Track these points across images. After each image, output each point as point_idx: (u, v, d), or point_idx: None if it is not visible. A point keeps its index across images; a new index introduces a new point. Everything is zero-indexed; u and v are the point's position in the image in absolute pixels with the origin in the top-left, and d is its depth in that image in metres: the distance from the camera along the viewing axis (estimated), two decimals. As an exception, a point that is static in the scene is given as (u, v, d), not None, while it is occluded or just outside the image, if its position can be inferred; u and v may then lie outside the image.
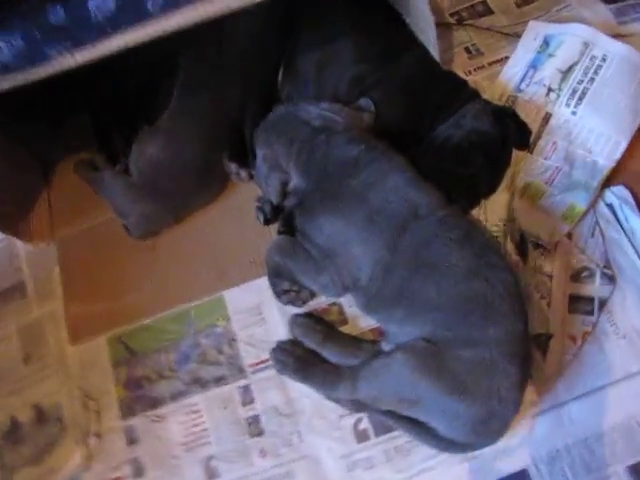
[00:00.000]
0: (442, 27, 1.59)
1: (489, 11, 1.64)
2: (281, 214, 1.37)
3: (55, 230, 1.57)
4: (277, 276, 1.34)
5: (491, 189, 1.37)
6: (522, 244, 1.35)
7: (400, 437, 1.23)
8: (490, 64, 1.57)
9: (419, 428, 1.18)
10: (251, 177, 1.49)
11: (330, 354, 1.29)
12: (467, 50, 1.60)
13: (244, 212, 1.48)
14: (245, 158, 1.47)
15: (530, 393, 1.20)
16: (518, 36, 1.55)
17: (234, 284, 1.42)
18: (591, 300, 1.28)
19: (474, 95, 1.39)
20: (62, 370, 1.40)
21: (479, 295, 1.10)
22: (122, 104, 1.58)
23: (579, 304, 1.28)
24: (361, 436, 1.25)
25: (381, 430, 1.24)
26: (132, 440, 1.31)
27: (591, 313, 1.27)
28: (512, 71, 1.51)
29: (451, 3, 1.66)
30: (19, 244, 1.55)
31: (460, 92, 1.39)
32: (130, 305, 1.44)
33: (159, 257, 1.49)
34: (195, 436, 1.30)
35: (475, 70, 1.56)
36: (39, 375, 1.41)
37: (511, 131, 1.37)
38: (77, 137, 1.65)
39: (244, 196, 1.50)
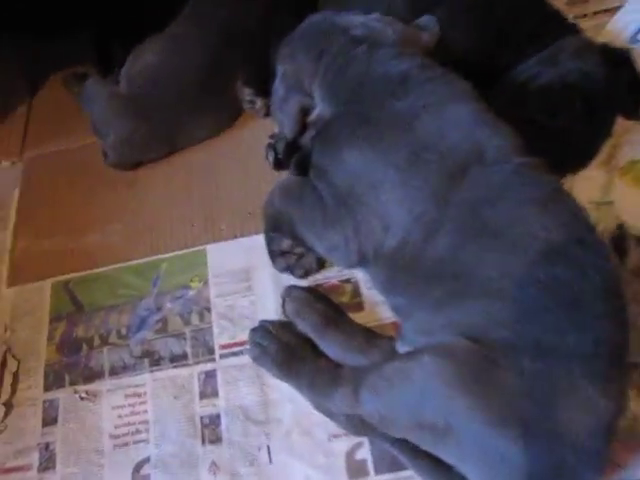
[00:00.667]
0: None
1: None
2: (296, 155, 1.00)
3: (26, 149, 1.28)
4: (276, 229, 0.97)
5: (584, 156, 0.99)
6: (620, 238, 0.93)
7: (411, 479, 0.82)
8: (596, 14, 1.20)
9: (441, 472, 0.78)
10: (269, 111, 1.14)
11: (330, 346, 0.90)
12: (566, -5, 1.21)
13: (252, 153, 1.14)
14: (264, 86, 1.12)
15: (613, 449, 0.78)
16: (637, -18, 1.16)
17: (222, 238, 1.07)
18: None
19: (575, 29, 1.00)
20: (-12, 315, 1.06)
21: (563, 285, 0.70)
22: (131, 13, 1.26)
23: (698, 331, 0.86)
24: (356, 470, 0.84)
25: (385, 466, 0.84)
26: (49, 420, 0.95)
27: None
28: (627, 18, 1.13)
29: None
30: (-19, 160, 1.25)
31: (557, 22, 1.01)
32: (89, 247, 1.11)
33: (137, 195, 1.16)
34: (131, 428, 0.92)
35: (575, 19, 1.16)
36: (-42, 316, 1.07)
37: (623, 84, 0.97)
38: (69, 56, 1.36)
39: (255, 134, 1.16)
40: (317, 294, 0.96)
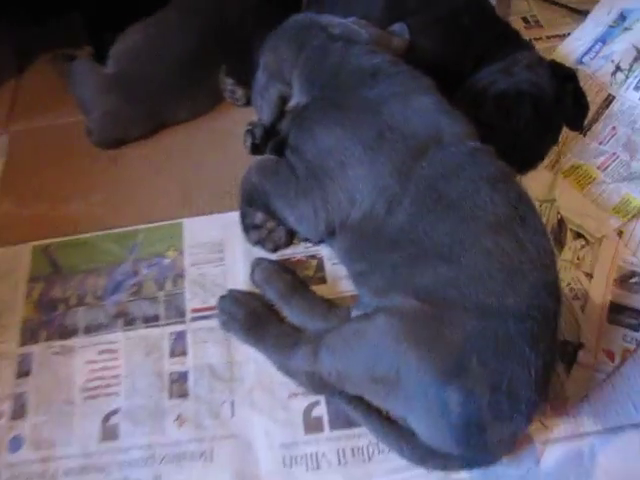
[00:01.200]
0: (501, -7, 1.33)
1: (557, -15, 1.38)
2: (272, 140, 1.07)
3: (12, 122, 1.29)
4: (250, 204, 1.03)
5: (532, 157, 1.07)
6: (560, 230, 1.03)
7: (363, 436, 0.88)
8: (549, 37, 1.32)
9: (390, 427, 0.85)
10: (248, 100, 1.21)
11: (293, 312, 0.96)
12: (524, 20, 1.35)
13: (231, 137, 1.19)
14: (245, 77, 1.19)
15: (543, 412, 0.86)
16: (586, 14, 1.28)
17: (199, 213, 1.11)
18: (637, 312, 0.95)
19: (529, 46, 1.10)
20: (-32, 274, 1.08)
21: (504, 254, 0.78)
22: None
23: (622, 315, 0.95)
24: (312, 425, 0.89)
25: (339, 423, 0.89)
26: (23, 372, 0.96)
27: (636, 328, 0.94)
28: (576, 43, 1.24)
29: (515, -30, 1.40)
30: (-33, 129, 1.27)
31: (513, 39, 1.12)
32: (70, 214, 1.13)
33: (119, 170, 1.19)
34: (102, 382, 0.95)
35: (531, 41, 1.27)
36: (-61, 274, 1.09)
37: (568, 97, 1.07)
38: (60, 37, 1.39)
39: (236, 121, 1.21)
40: (283, 266, 1.02)
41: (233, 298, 0.98)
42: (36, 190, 1.17)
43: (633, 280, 0.98)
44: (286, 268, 1.01)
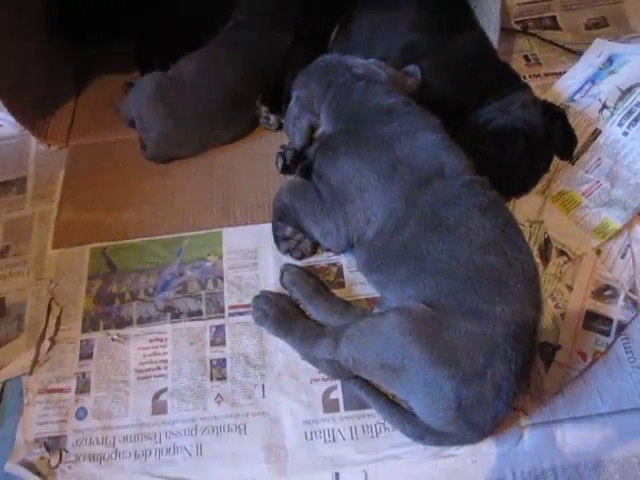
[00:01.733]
0: (506, 32, 1.50)
1: (556, 26, 1.54)
2: (300, 164, 1.24)
3: (71, 137, 1.47)
4: (281, 219, 1.19)
5: (524, 184, 1.23)
6: (546, 248, 1.19)
7: (371, 416, 1.05)
8: (547, 75, 1.46)
9: (395, 409, 1.02)
10: (279, 126, 1.38)
11: (316, 310, 1.13)
12: (526, 58, 1.49)
13: (265, 158, 1.36)
14: (278, 106, 1.36)
15: (524, 401, 1.03)
16: (581, 54, 1.44)
17: (236, 223, 1.28)
18: (609, 320, 1.11)
19: (525, 87, 1.26)
20: (36, 270, 1.26)
21: (493, 269, 0.94)
22: (168, 34, 1.50)
23: (596, 322, 1.11)
24: (330, 406, 1.07)
25: (353, 404, 1.06)
26: (86, 355, 1.15)
27: (607, 334, 1.10)
28: (569, 82, 1.39)
29: (519, 11, 1.56)
30: (33, 143, 1.45)
31: (512, 81, 1.27)
32: (124, 221, 1.31)
33: (167, 183, 1.36)
34: (152, 365, 1.13)
35: (530, 77, 1.44)
36: (12, 270, 1.27)
37: (558, 132, 1.24)
38: (116, 62, 1.57)
39: (269, 144, 1.39)
40: (308, 271, 1.19)
41: (265, 297, 1.14)
42: (92, 199, 1.35)
43: (607, 292, 1.14)
44: (310, 273, 1.18)
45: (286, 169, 1.28)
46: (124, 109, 1.38)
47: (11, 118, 1.38)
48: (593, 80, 1.36)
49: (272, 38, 1.38)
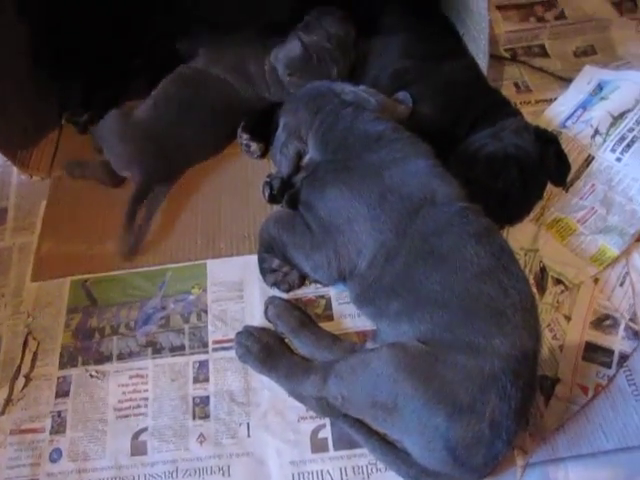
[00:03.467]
0: (495, 59, 1.48)
1: (545, 54, 1.54)
2: (287, 192, 1.21)
3: (54, 168, 1.44)
4: (268, 251, 1.16)
5: (518, 212, 1.21)
6: (542, 277, 1.16)
7: (363, 457, 1.00)
8: (537, 102, 1.44)
9: (388, 448, 0.97)
10: (261, 154, 1.37)
11: (303, 344, 1.09)
12: (516, 85, 1.48)
13: (251, 187, 1.34)
14: (259, 134, 1.35)
15: (523, 439, 0.98)
16: (571, 81, 1.43)
17: (221, 255, 1.25)
18: (610, 352, 1.07)
19: (517, 113, 1.25)
20: (14, 304, 1.22)
21: (490, 299, 0.91)
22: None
23: (596, 354, 1.07)
24: (318, 445, 1.02)
25: (342, 444, 1.01)
26: (62, 392, 1.10)
27: (609, 366, 1.06)
28: (560, 108, 1.38)
29: (508, 39, 1.56)
30: (15, 174, 1.43)
31: (502, 107, 1.26)
32: (106, 253, 1.27)
33: (150, 214, 1.33)
34: (132, 403, 1.08)
35: (521, 104, 1.42)
36: (-12, 304, 1.23)
37: (551, 158, 1.22)
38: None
39: (255, 172, 1.36)
40: (294, 304, 1.15)
41: (248, 333, 1.10)
42: (74, 231, 1.31)
43: (607, 322, 1.10)
44: (296, 305, 1.14)
45: (273, 198, 1.25)
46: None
47: (-8, 149, 1.35)
48: (584, 106, 1.35)
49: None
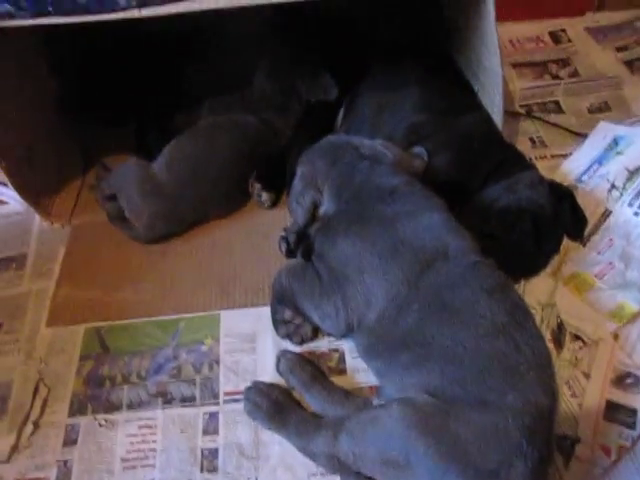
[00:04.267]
0: (510, 115, 1.52)
1: (560, 110, 1.56)
2: (303, 244, 1.22)
3: (74, 216, 1.48)
4: (280, 302, 1.16)
5: (533, 266, 1.20)
6: (559, 332, 1.14)
7: (374, 518, 0.96)
8: (553, 156, 1.46)
9: (400, 511, 0.93)
10: (272, 204, 1.39)
11: (314, 399, 1.07)
12: (531, 140, 1.50)
13: (266, 239, 1.35)
14: (271, 183, 1.38)
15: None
16: (586, 136, 1.45)
17: (235, 306, 1.25)
18: (633, 411, 1.04)
19: (531, 167, 1.26)
20: (27, 349, 1.22)
21: (502, 356, 0.89)
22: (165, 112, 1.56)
23: (618, 413, 1.04)
24: (328, 505, 0.99)
25: (354, 503, 0.98)
26: (70, 441, 1.08)
27: (632, 426, 1.02)
28: (575, 163, 1.39)
29: (523, 95, 1.60)
30: (36, 220, 1.46)
31: (517, 161, 1.27)
32: (121, 301, 1.28)
33: (167, 262, 1.34)
34: (140, 454, 1.06)
35: (536, 159, 1.44)
36: (2, 348, 1.23)
37: (566, 212, 1.22)
38: (120, 143, 1.59)
39: (271, 224, 1.38)
40: (305, 358, 1.13)
41: (257, 389, 1.08)
42: (90, 276, 1.33)
43: (628, 381, 1.07)
44: (308, 360, 1.13)
45: (291, 253, 1.26)
46: (103, 189, 1.40)
47: (17, 196, 1.39)
48: (600, 161, 1.36)
49: (274, 121, 1.41)
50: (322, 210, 1.17)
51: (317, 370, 1.12)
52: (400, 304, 0.98)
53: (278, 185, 1.39)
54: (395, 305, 0.98)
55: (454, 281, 0.96)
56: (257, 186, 1.37)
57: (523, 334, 0.91)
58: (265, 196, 1.37)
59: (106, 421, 1.10)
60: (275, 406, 1.05)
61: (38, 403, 1.13)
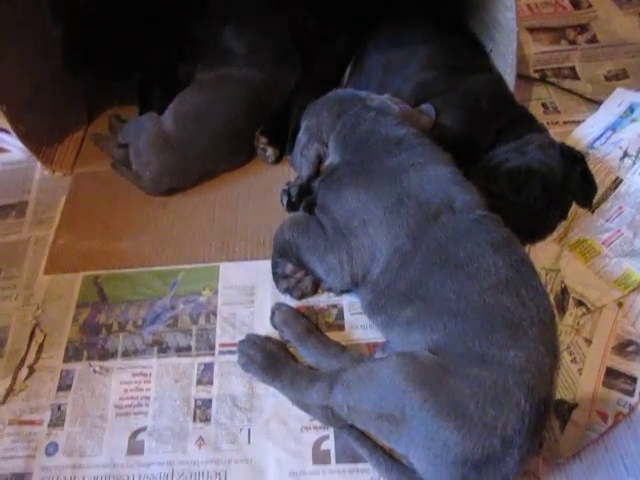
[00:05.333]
0: (523, 80, 1.47)
1: (575, 76, 1.51)
2: (305, 199, 1.19)
3: (76, 166, 1.45)
4: (282, 255, 1.13)
5: (540, 230, 1.17)
6: (563, 297, 1.11)
7: (365, 472, 0.95)
8: (565, 123, 1.41)
9: (393, 464, 0.92)
10: (276, 159, 1.36)
11: (309, 352, 1.05)
12: (544, 106, 1.45)
13: (268, 193, 1.33)
14: (277, 139, 1.35)
15: (536, 464, 0.93)
16: (600, 104, 1.40)
17: (234, 258, 1.23)
18: (633, 379, 1.02)
19: (542, 129, 1.22)
20: (25, 295, 1.22)
21: (506, 311, 0.86)
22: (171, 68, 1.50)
23: (617, 380, 1.02)
24: (320, 457, 0.97)
25: (345, 457, 0.97)
26: (64, 386, 1.08)
27: (631, 394, 1.00)
28: (588, 129, 1.35)
29: (538, 60, 1.54)
30: (38, 169, 1.44)
31: (528, 122, 1.23)
32: (120, 251, 1.26)
33: (168, 214, 1.32)
34: (133, 401, 1.05)
35: (548, 125, 1.38)
36: (1, 293, 1.22)
37: (576, 177, 1.18)
38: (125, 94, 1.56)
39: (274, 179, 1.35)
40: (301, 312, 1.11)
41: (251, 342, 1.06)
42: (90, 226, 1.32)
43: (630, 349, 1.04)
44: (302, 314, 1.11)
45: (291, 206, 1.23)
46: (111, 143, 1.39)
47: (20, 144, 1.37)
48: (614, 128, 1.32)
49: (276, 74, 1.37)
50: (326, 163, 1.14)
51: (311, 323, 1.09)
52: (404, 257, 0.95)
53: (283, 141, 1.35)
54: (399, 257, 0.96)
55: (459, 234, 0.93)
56: (263, 140, 1.34)
57: (528, 290, 0.88)
58: (270, 151, 1.34)
59: (101, 368, 1.09)
60: (269, 359, 1.04)
61: (34, 348, 1.13)
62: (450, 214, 0.95)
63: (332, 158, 1.12)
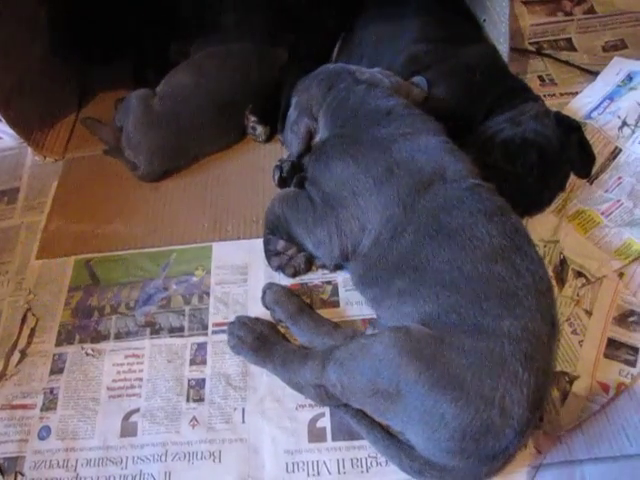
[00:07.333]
0: (519, 53, 1.44)
1: (572, 48, 1.46)
2: (297, 174, 1.16)
3: (67, 151, 1.43)
4: (273, 232, 1.10)
5: (537, 201, 1.13)
6: (562, 269, 1.07)
7: (362, 449, 0.93)
8: (562, 94, 1.37)
9: (391, 440, 0.89)
10: (266, 138, 1.33)
11: (301, 331, 1.02)
12: (540, 78, 1.41)
13: (260, 172, 1.30)
14: (267, 117, 1.31)
15: (537, 437, 0.90)
16: (597, 74, 1.35)
17: (227, 237, 1.20)
18: (635, 350, 0.98)
19: (537, 98, 1.18)
20: (17, 280, 1.19)
21: (500, 280, 0.83)
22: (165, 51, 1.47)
23: (619, 351, 0.98)
24: (316, 435, 0.95)
25: (341, 434, 0.94)
26: (57, 369, 1.06)
27: (632, 364, 0.97)
28: (586, 100, 1.30)
29: (533, 32, 1.50)
30: (29, 155, 1.41)
31: (522, 92, 1.19)
32: (112, 233, 1.24)
33: (159, 196, 1.30)
34: (126, 383, 1.03)
35: (545, 97, 1.33)
36: (-9, 279, 1.20)
37: (573, 146, 1.14)
38: (117, 78, 1.52)
39: (265, 157, 1.32)
40: (292, 291, 1.08)
41: (241, 323, 1.03)
42: (82, 210, 1.29)
43: (631, 319, 1.01)
44: (294, 293, 1.07)
45: (283, 182, 1.20)
46: (108, 129, 1.36)
47: (10, 130, 1.34)
48: (612, 97, 1.27)
49: (266, 51, 1.34)
50: (316, 139, 1.11)
51: (303, 302, 1.06)
52: (395, 227, 0.92)
53: (273, 119, 1.32)
54: (390, 228, 0.93)
55: (451, 204, 0.90)
56: (252, 119, 1.30)
57: (523, 259, 0.85)
58: (260, 129, 1.30)
59: (93, 350, 1.07)
60: (259, 339, 1.01)
61: (25, 332, 1.10)
62: (442, 183, 0.91)
63: (322, 133, 1.09)
